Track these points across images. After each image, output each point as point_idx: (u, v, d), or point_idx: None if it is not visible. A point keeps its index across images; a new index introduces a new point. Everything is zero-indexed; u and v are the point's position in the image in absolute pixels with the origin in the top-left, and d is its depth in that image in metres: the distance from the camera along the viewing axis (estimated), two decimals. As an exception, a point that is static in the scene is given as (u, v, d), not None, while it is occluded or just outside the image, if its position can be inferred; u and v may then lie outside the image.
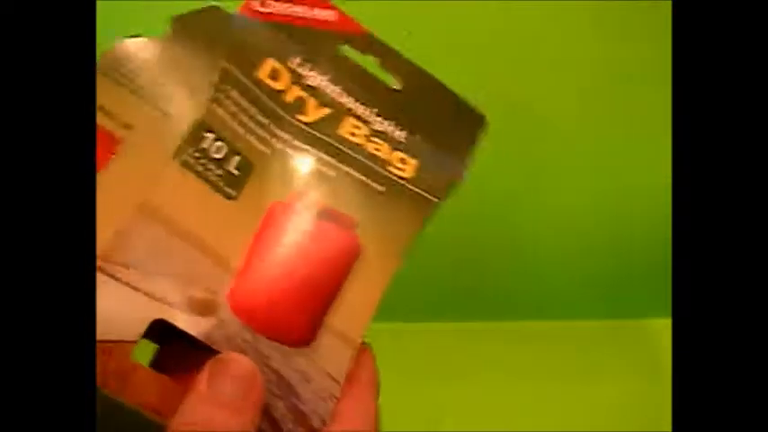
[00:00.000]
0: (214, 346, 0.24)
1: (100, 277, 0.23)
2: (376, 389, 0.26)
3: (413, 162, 0.29)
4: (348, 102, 0.29)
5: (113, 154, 0.24)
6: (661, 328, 0.65)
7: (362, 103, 0.29)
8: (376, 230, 0.27)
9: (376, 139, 0.29)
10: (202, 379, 0.22)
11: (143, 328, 0.23)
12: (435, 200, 0.28)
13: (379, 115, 0.29)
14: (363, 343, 0.26)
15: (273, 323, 0.25)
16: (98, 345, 0.22)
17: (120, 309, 0.23)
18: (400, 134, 0.29)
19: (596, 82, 0.55)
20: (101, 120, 0.24)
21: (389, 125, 0.29)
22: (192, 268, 0.24)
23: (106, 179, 0.24)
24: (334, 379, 0.25)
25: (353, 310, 0.26)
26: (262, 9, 0.28)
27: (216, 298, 0.24)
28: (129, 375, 0.22)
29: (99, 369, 0.22)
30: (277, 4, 0.29)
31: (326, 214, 0.27)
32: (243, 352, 0.24)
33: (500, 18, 0.52)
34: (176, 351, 0.24)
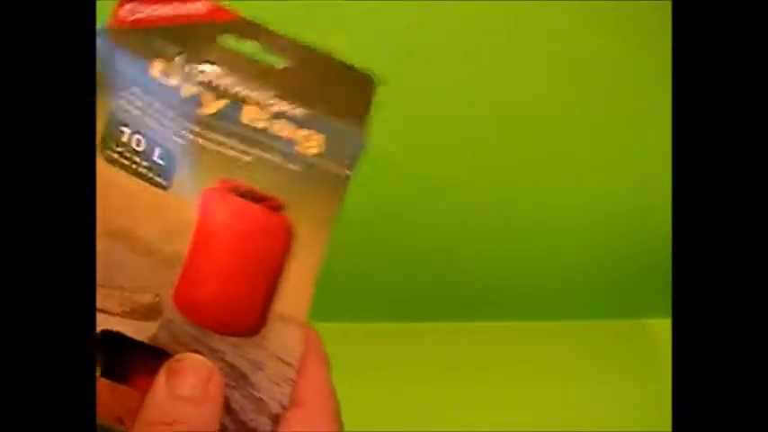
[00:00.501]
0: (162, 348, 0.24)
1: None
2: (327, 365, 0.26)
3: (319, 137, 0.29)
4: (241, 90, 0.29)
5: None
6: (661, 328, 0.65)
7: (255, 89, 0.29)
8: (302, 210, 0.27)
9: (278, 121, 0.29)
10: (160, 379, 0.23)
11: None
12: (347, 173, 0.28)
13: (275, 97, 0.29)
14: (308, 325, 0.26)
15: (219, 316, 0.25)
16: None
17: None
18: (300, 112, 0.29)
19: (596, 81, 0.55)
20: None
21: (287, 105, 0.29)
22: (136, 274, 0.25)
23: None
24: (286, 363, 0.25)
25: (295, 291, 0.26)
26: (132, 17, 0.29)
27: (160, 300, 0.25)
28: None
29: None
30: (145, 7, 0.29)
31: (257, 198, 0.27)
32: (192, 349, 0.24)
33: (500, 18, 0.52)
34: (126, 359, 0.24)
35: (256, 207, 0.27)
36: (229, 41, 0.29)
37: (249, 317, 0.25)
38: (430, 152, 0.57)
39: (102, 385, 0.23)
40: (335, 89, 0.30)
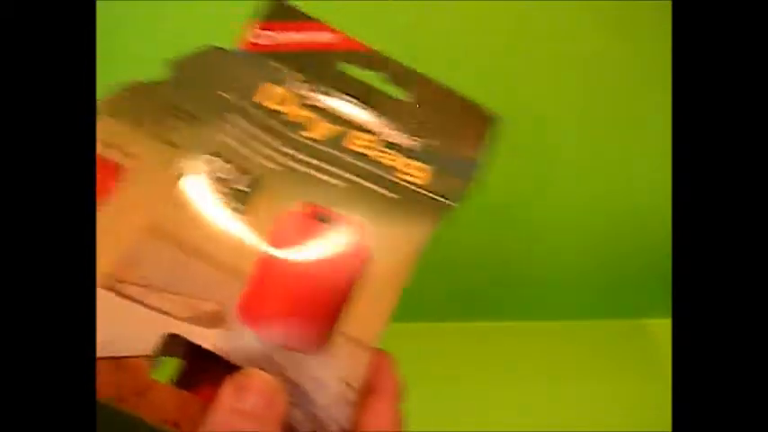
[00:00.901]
0: (226, 357, 0.24)
1: (113, 297, 0.24)
2: (398, 397, 0.27)
3: (427, 168, 0.29)
4: (355, 117, 0.29)
5: (119, 181, 0.25)
6: (661, 328, 0.65)
7: (371, 117, 0.29)
8: (387, 235, 0.27)
9: (388, 151, 0.29)
10: (227, 392, 0.23)
11: (154, 342, 0.24)
12: (450, 203, 0.29)
13: (389, 127, 0.29)
14: (383, 351, 0.26)
15: (284, 331, 0.25)
16: (114, 361, 0.23)
17: (131, 325, 0.24)
18: (413, 143, 0.29)
19: (596, 82, 0.55)
20: (103, 151, 0.25)
21: (401, 136, 0.29)
22: (201, 282, 0.25)
23: (115, 204, 0.25)
24: (349, 385, 0.25)
25: (366, 315, 0.26)
26: (257, 41, 0.29)
27: (225, 309, 0.25)
28: (147, 391, 0.23)
29: (116, 385, 0.23)
30: (274, 33, 0.29)
31: (334, 220, 0.27)
32: (255, 361, 0.24)
33: (500, 18, 0.52)
34: (193, 366, 0.25)
35: (333, 230, 0.27)
36: (352, 70, 0.30)
37: (314, 335, 0.26)
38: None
39: (165, 389, 0.23)
40: (453, 124, 0.30)
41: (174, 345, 0.24)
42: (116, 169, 0.25)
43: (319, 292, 0.26)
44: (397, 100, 0.30)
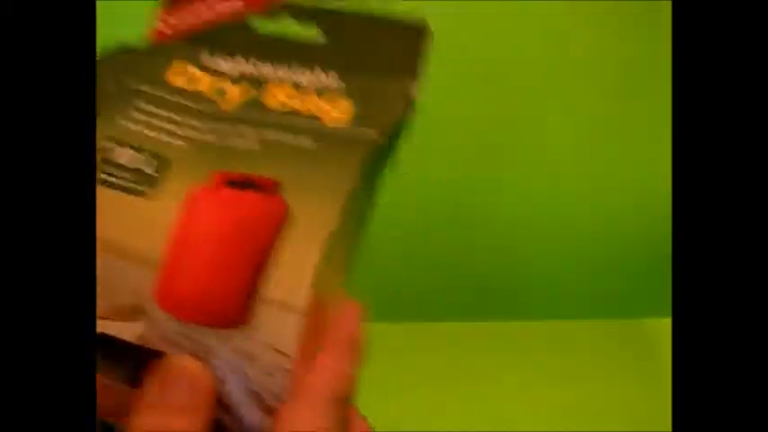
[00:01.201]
0: (150, 347, 0.23)
1: None
2: (350, 349, 0.24)
3: (346, 104, 0.27)
4: (272, 74, 0.28)
5: None
6: (661, 328, 0.65)
7: (290, 70, 0.28)
8: (307, 187, 0.25)
9: (311, 98, 0.27)
10: (151, 386, 0.22)
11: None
12: (373, 136, 0.26)
13: (310, 74, 0.28)
14: (345, 303, 0.25)
15: (203, 309, 0.24)
16: None
17: None
18: (329, 78, 0.28)
19: (596, 81, 0.55)
20: None
21: (324, 79, 0.28)
22: (115, 276, 0.24)
23: None
24: (280, 352, 0.23)
25: (290, 275, 0.24)
26: (164, 29, 0.29)
27: (142, 299, 0.24)
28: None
29: None
30: (177, 16, 0.29)
31: (243, 183, 0.25)
32: (179, 345, 0.23)
33: (498, 18, 0.52)
34: (125, 360, 0.24)
35: (243, 194, 0.25)
36: (262, 24, 0.28)
37: (235, 307, 0.24)
38: (429, 152, 0.57)
39: (100, 384, 0.23)
40: (378, 48, 0.28)
41: (102, 342, 0.23)
42: None
43: (235, 261, 0.24)
44: (317, 45, 0.28)
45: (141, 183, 0.25)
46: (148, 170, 0.26)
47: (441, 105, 0.55)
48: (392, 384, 0.63)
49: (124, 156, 0.26)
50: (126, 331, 0.23)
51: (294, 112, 0.27)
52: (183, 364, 0.23)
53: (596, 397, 0.62)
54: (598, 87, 0.56)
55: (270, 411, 0.23)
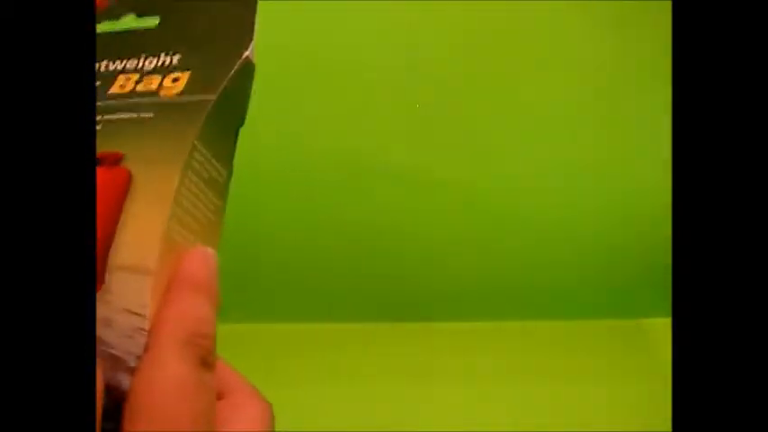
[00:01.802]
0: None
1: None
2: (193, 289, 0.24)
3: (185, 75, 0.28)
4: (114, 65, 0.28)
5: None
6: (661, 328, 0.65)
7: (127, 58, 0.29)
8: (145, 155, 0.25)
9: (148, 78, 0.28)
10: None
11: None
12: (207, 98, 0.27)
13: (147, 57, 0.29)
14: (201, 248, 0.25)
15: None
16: None
17: None
18: (173, 59, 0.28)
19: (595, 82, 0.55)
20: None
21: (160, 59, 0.28)
22: None
23: None
24: (135, 313, 0.23)
25: (137, 239, 0.24)
26: None
27: None
28: None
29: None
30: None
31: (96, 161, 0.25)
32: None
33: (498, 18, 0.52)
34: None
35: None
36: (105, 26, 0.29)
37: None
38: (428, 153, 0.57)
39: None
40: (212, 23, 0.29)
41: None
42: None
43: None
44: (151, 29, 0.29)
45: None
46: None
47: (436, 106, 0.55)
48: (392, 384, 0.63)
49: None
50: None
51: (136, 93, 0.27)
52: None
53: (596, 397, 0.62)
54: (596, 87, 0.56)
55: (133, 372, 0.23)
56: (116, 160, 0.25)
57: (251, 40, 0.28)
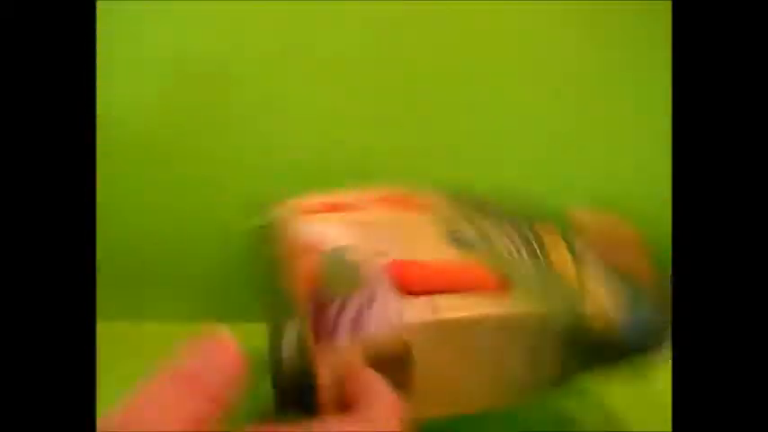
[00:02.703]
0: None
1: None
2: None
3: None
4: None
5: None
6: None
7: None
8: None
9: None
10: None
11: None
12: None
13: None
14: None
15: None
16: None
17: None
18: None
19: (593, 81, 0.55)
20: None
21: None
22: None
23: None
24: None
25: None
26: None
27: None
28: None
29: None
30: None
31: None
32: None
33: (497, 18, 0.52)
34: None
35: None
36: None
37: None
38: (428, 154, 0.57)
39: None
40: None
41: None
42: None
43: None
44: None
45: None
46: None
47: (435, 106, 0.55)
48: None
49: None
50: None
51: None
52: None
53: (595, 397, 0.62)
54: (596, 88, 0.55)
55: None
56: None
57: None
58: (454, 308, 0.36)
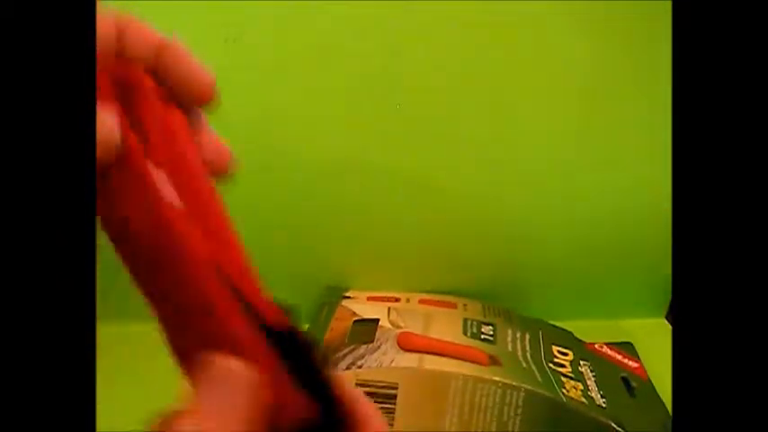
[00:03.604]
0: None
1: None
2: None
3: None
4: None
5: None
6: (661, 328, 0.65)
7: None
8: None
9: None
10: None
11: None
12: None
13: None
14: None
15: None
16: None
17: None
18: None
19: (592, 82, 0.55)
20: None
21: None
22: None
23: None
24: None
25: None
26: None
27: None
28: None
29: None
30: None
31: None
32: None
33: (496, 18, 0.52)
34: None
35: None
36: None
37: None
38: (427, 154, 0.57)
39: None
40: None
41: None
42: None
43: None
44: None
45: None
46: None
47: (433, 107, 0.55)
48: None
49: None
50: None
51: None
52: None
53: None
54: (593, 87, 0.56)
55: None
56: None
57: None
58: (437, 363, 0.43)
